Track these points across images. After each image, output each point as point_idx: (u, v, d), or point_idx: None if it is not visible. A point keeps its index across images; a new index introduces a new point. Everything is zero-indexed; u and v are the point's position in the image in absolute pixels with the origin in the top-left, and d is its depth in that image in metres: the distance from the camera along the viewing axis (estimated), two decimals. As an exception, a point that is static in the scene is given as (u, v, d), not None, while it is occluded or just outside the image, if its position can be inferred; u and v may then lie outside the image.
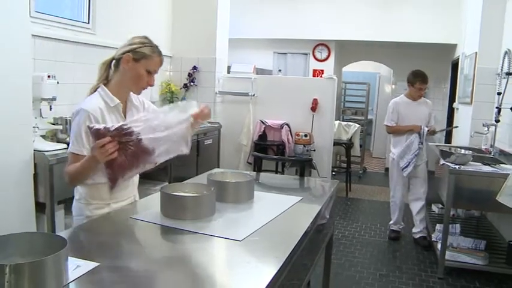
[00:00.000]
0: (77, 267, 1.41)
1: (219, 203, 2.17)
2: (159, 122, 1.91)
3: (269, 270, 1.46)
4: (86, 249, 1.67)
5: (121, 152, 1.84)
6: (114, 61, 2.11)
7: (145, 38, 2.14)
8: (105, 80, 2.12)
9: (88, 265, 1.44)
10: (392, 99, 8.88)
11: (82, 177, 1.97)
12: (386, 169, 8.81)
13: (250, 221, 1.98)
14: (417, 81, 4.69)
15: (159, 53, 2.13)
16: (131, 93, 2.19)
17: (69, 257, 1.40)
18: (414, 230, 4.83)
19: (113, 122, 2.01)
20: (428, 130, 4.64)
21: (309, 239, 2.11)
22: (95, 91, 2.10)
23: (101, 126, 1.82)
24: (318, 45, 8.57)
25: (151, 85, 2.15)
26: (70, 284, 1.32)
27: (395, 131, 4.80)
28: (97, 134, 1.79)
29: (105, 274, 1.42)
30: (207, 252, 1.68)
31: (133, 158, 1.87)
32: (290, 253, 1.62)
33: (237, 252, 1.67)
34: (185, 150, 2.00)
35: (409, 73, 4.88)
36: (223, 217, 2.01)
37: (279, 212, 2.14)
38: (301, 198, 2.44)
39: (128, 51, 2.05)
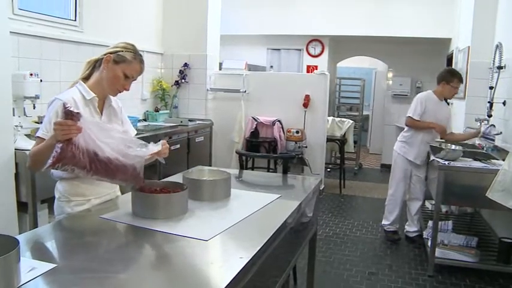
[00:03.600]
0: (32, 269, 1.37)
1: (195, 201, 2.14)
2: (123, 153, 1.94)
3: (231, 271, 1.41)
4: (46, 250, 1.64)
5: (79, 146, 1.82)
6: (98, 61, 2.17)
7: (131, 44, 2.20)
8: (86, 77, 2.19)
9: (44, 266, 1.39)
10: (389, 94, 8.99)
11: (41, 158, 1.90)
12: (383, 165, 8.83)
13: (221, 220, 1.93)
14: (455, 79, 4.41)
15: (140, 61, 2.18)
16: (110, 96, 2.25)
17: (25, 259, 1.37)
18: (409, 228, 4.73)
19: (86, 115, 2.04)
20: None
21: (286, 237, 2.08)
22: (73, 86, 2.16)
23: (76, 110, 1.81)
24: (311, 41, 8.51)
25: (127, 89, 2.19)
26: (22, 286, 1.28)
27: (418, 125, 4.50)
28: (68, 115, 1.77)
29: (61, 276, 1.38)
30: (171, 253, 1.64)
31: (82, 158, 1.83)
32: (256, 253, 1.57)
33: (202, 253, 1.62)
34: (139, 182, 2.03)
35: (443, 71, 4.62)
36: (194, 216, 1.97)
37: (254, 210, 2.10)
38: (279, 195, 2.39)
39: (110, 53, 2.12)
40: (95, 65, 2.17)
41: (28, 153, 2.00)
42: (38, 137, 1.99)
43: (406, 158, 4.63)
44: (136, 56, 2.16)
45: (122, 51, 2.12)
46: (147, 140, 2.15)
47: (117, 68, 2.10)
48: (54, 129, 1.78)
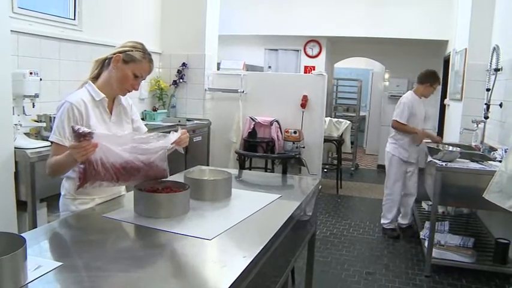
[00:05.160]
0: (38, 267, 1.38)
1: (196, 201, 2.15)
2: (142, 151, 1.99)
3: (235, 271, 1.43)
4: (51, 248, 1.65)
5: (100, 163, 1.86)
6: (106, 60, 2.17)
7: (140, 43, 2.20)
8: (95, 77, 2.19)
9: (50, 265, 1.41)
10: (386, 95, 9.03)
11: (61, 171, 2.00)
12: (379, 166, 8.86)
13: (223, 220, 1.94)
14: (437, 82, 4.77)
15: (149, 60, 2.18)
16: (119, 95, 2.25)
17: (31, 257, 1.38)
18: (402, 221, 4.99)
19: (96, 116, 2.10)
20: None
21: (286, 237, 2.09)
22: (82, 86, 2.17)
23: (86, 130, 1.80)
24: (309, 41, 8.52)
25: (136, 89, 2.20)
26: (29, 284, 1.29)
27: (403, 129, 4.75)
28: (79, 137, 1.77)
29: (67, 274, 1.39)
30: (174, 252, 1.65)
31: (106, 171, 1.89)
32: (259, 253, 1.59)
33: (205, 252, 1.64)
34: (165, 174, 2.13)
35: (426, 72, 4.86)
36: (197, 215, 1.98)
37: (255, 210, 2.12)
38: (280, 195, 2.41)
39: (120, 52, 2.12)
40: (103, 64, 2.17)
41: (47, 162, 2.02)
42: (54, 142, 2.01)
43: (400, 158, 4.80)
44: (146, 55, 2.15)
45: (131, 50, 2.11)
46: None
47: (126, 68, 2.10)
48: (71, 153, 1.80)
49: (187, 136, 2.17)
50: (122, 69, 2.10)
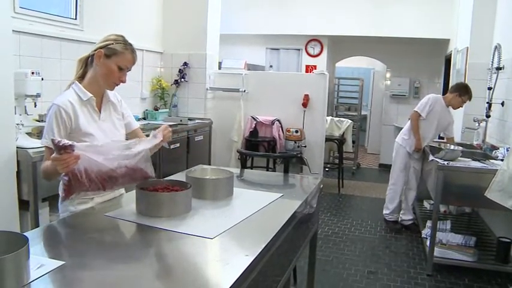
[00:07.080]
0: (40, 266, 1.38)
1: (197, 200, 2.15)
2: (125, 157, 2.00)
3: (237, 269, 1.43)
4: (53, 247, 1.65)
5: (85, 173, 1.86)
6: (89, 58, 2.15)
7: (120, 36, 2.17)
8: (81, 76, 2.18)
9: (52, 264, 1.41)
10: (387, 94, 9.02)
11: (52, 177, 1.99)
12: (380, 165, 8.86)
13: (225, 219, 1.94)
14: (467, 95, 4.69)
15: (132, 51, 2.16)
16: (108, 90, 2.23)
17: (33, 256, 1.38)
18: (405, 217, 5.07)
19: (85, 116, 2.10)
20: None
21: (288, 236, 2.09)
22: (69, 87, 2.16)
23: (67, 142, 1.77)
24: (310, 40, 8.53)
25: (123, 81, 2.18)
26: (32, 283, 1.29)
27: (414, 124, 4.85)
28: (60, 149, 1.75)
29: (69, 273, 1.39)
30: (176, 251, 1.65)
31: (90, 182, 1.89)
32: (261, 251, 1.59)
33: (208, 251, 1.64)
34: (150, 174, 2.14)
35: (458, 83, 4.96)
36: (198, 214, 1.98)
37: (257, 209, 2.12)
38: (281, 194, 2.41)
39: (101, 48, 2.09)
40: (87, 62, 2.16)
41: (41, 166, 2.03)
42: (45, 146, 2.02)
43: (407, 151, 4.92)
44: (127, 46, 2.13)
45: (112, 43, 2.09)
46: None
47: (109, 62, 2.08)
48: (54, 165, 1.79)
49: (170, 131, 2.18)
50: (106, 64, 2.08)
